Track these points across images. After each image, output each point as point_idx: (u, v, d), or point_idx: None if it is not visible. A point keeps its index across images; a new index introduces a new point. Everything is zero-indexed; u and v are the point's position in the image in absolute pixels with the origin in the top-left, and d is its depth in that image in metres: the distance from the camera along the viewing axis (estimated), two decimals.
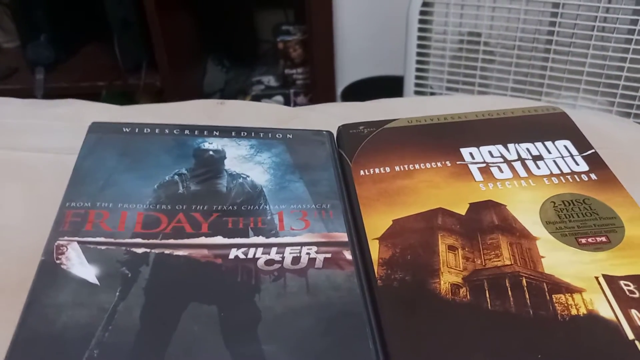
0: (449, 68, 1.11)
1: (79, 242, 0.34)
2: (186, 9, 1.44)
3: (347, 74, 1.58)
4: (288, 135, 0.45)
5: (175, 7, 1.36)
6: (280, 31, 1.41)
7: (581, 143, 0.44)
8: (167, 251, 0.34)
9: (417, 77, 1.15)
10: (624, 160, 0.44)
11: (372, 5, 1.50)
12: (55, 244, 0.34)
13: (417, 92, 1.17)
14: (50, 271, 0.32)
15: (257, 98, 1.44)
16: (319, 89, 1.37)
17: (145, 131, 0.43)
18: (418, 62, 1.12)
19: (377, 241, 0.36)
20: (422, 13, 1.05)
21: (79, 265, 0.33)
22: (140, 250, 0.34)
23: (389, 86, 1.34)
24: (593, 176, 0.41)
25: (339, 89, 1.54)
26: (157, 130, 0.43)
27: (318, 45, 1.30)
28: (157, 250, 0.34)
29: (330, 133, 0.46)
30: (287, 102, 1.43)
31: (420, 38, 1.08)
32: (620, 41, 0.93)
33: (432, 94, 1.16)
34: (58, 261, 0.33)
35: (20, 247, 0.36)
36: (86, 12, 1.34)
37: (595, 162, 0.42)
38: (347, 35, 1.55)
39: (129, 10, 1.25)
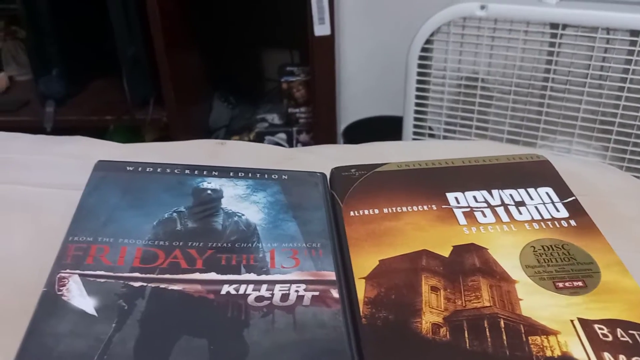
0: (447, 110, 1.14)
1: (79, 275, 0.36)
2: (194, 46, 1.49)
3: (349, 113, 1.62)
4: (283, 176, 0.48)
5: (183, 45, 1.40)
6: (285, 72, 1.45)
7: (562, 190, 0.46)
8: (162, 285, 0.36)
9: (416, 118, 1.18)
10: (603, 207, 0.46)
11: (375, 48, 1.54)
12: (57, 276, 0.36)
13: (415, 133, 1.19)
14: (51, 302, 0.34)
15: (261, 135, 1.47)
16: (321, 128, 1.41)
17: (147, 170, 0.45)
18: (417, 102, 1.15)
19: (364, 280, 0.38)
20: (422, 55, 1.09)
21: (79, 297, 0.34)
22: (137, 284, 0.36)
23: (389, 126, 1.36)
24: (572, 222, 0.42)
25: (341, 127, 1.57)
26: (158, 170, 0.46)
27: (320, 86, 1.34)
28: (153, 285, 0.36)
29: (323, 175, 0.49)
30: (290, 140, 1.46)
31: (419, 78, 1.11)
32: (614, 88, 0.96)
33: (430, 135, 1.19)
34: (59, 293, 0.34)
35: (24, 278, 0.38)
36: (97, 48, 1.39)
37: (575, 209, 0.44)
38: (349, 75, 1.60)
39: (138, 47, 1.30)
